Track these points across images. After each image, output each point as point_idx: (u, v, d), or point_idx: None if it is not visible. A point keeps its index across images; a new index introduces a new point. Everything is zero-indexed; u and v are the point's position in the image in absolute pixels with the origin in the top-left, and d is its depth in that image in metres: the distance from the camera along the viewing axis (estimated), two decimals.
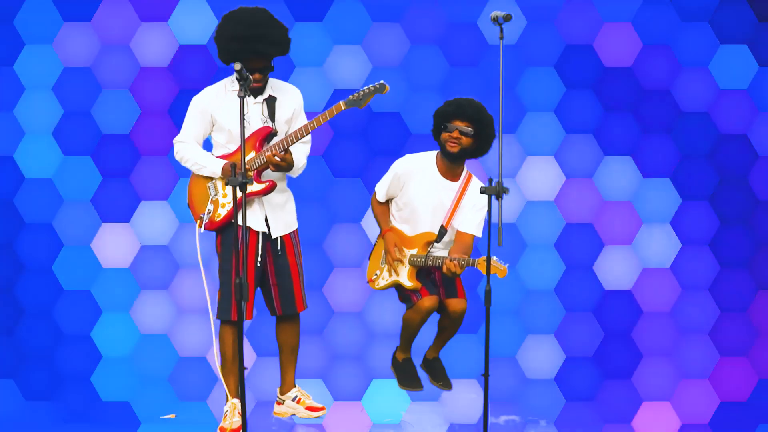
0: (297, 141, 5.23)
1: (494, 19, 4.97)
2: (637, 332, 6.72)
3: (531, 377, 6.71)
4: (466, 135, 5.42)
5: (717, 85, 6.76)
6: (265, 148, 5.26)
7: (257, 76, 5.25)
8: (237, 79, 4.81)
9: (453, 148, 5.43)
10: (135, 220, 6.70)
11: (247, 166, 5.25)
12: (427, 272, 5.56)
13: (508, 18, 4.94)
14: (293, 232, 5.46)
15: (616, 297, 6.74)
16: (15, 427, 6.62)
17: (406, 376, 5.74)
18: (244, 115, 4.82)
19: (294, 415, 5.63)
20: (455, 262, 5.34)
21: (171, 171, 6.70)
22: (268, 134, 5.29)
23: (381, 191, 5.59)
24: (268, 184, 5.27)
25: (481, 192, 4.94)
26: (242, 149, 4.82)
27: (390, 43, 6.73)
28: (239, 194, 4.82)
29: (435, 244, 5.52)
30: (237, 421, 5.32)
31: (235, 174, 4.79)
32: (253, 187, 5.27)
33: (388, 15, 6.73)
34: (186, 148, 5.38)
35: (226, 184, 4.89)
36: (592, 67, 6.75)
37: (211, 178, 5.35)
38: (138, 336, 6.67)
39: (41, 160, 6.69)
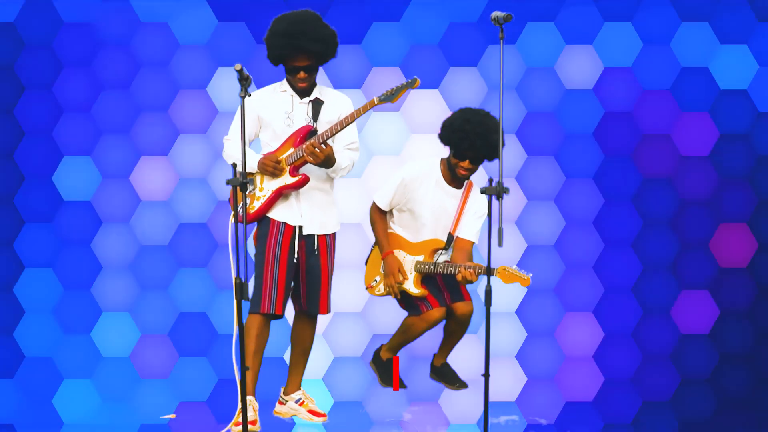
0: (333, 135, 5.25)
1: (494, 19, 4.95)
2: (637, 332, 6.72)
3: (531, 377, 6.71)
4: (477, 163, 5.44)
5: (717, 86, 6.76)
6: (304, 145, 5.30)
7: (302, 75, 5.30)
8: (237, 79, 4.83)
9: (464, 175, 5.45)
10: (135, 220, 6.70)
11: (284, 161, 5.31)
12: (430, 277, 5.56)
13: (508, 18, 4.92)
14: (330, 235, 5.45)
15: (617, 297, 6.73)
16: (14, 427, 6.62)
17: (388, 375, 5.72)
18: (244, 116, 4.85)
19: (295, 416, 5.62)
20: (471, 270, 5.33)
21: (171, 171, 6.70)
22: (308, 132, 5.34)
23: (384, 199, 5.55)
24: (301, 177, 5.31)
25: (482, 192, 4.92)
26: (242, 150, 4.83)
27: (390, 43, 6.73)
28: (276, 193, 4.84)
29: (442, 251, 5.53)
30: (251, 414, 5.31)
31: (236, 174, 4.81)
32: (286, 180, 5.31)
33: (388, 15, 6.73)
34: (231, 146, 5.42)
35: (227, 183, 4.91)
36: (592, 68, 6.75)
37: (253, 174, 5.39)
38: (138, 336, 6.66)
39: (41, 161, 6.68)
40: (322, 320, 6.64)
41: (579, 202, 6.76)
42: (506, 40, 6.72)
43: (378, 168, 6.73)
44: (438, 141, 5.53)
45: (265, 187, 5.35)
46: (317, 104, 5.36)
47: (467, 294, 5.55)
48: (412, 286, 5.49)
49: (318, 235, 5.40)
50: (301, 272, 5.42)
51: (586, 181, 6.76)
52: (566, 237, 6.74)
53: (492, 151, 5.38)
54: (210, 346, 6.66)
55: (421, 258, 5.51)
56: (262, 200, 5.34)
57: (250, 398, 5.36)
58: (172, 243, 6.69)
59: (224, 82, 6.71)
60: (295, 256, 5.36)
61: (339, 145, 5.42)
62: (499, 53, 6.66)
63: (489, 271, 5.03)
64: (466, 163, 5.41)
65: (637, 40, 6.75)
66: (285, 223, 5.36)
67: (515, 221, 6.73)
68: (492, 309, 6.67)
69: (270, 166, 5.30)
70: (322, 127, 5.36)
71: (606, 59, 6.75)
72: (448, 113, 6.68)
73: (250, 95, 4.88)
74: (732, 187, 6.76)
